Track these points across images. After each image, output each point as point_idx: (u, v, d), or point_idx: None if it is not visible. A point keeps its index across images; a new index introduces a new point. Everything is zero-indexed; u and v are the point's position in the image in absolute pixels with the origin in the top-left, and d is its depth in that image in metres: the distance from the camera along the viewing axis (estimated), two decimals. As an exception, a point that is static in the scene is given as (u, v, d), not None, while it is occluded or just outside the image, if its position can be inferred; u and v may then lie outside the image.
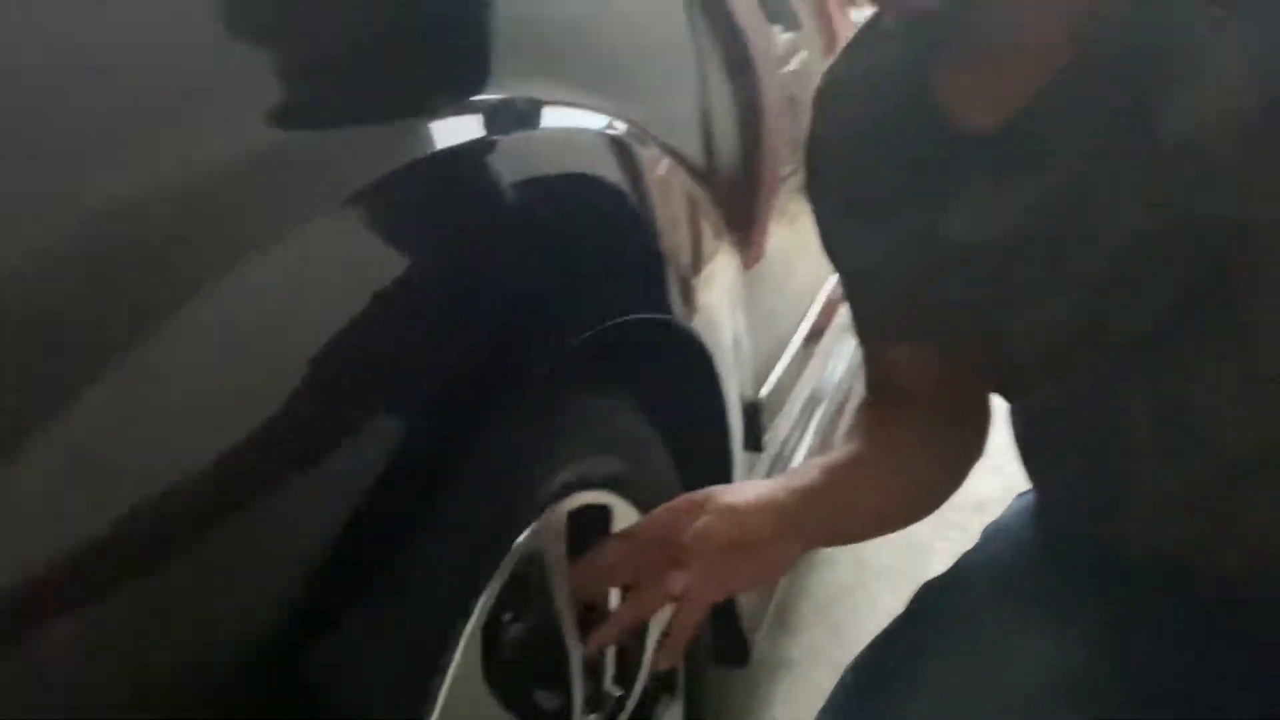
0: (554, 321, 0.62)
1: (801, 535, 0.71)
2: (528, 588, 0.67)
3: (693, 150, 0.94)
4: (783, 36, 1.37)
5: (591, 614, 0.73)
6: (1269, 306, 0.57)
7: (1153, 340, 0.62)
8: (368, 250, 0.50)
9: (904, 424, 0.78)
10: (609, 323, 0.66)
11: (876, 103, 0.71)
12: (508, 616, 0.68)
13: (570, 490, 0.71)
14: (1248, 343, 0.59)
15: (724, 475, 0.98)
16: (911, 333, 0.77)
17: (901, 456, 0.77)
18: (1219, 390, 0.61)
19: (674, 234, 0.84)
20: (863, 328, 0.83)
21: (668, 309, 0.79)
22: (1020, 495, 0.91)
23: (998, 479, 0.81)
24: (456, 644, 0.57)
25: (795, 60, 1.41)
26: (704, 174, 0.96)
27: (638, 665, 0.81)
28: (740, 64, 1.13)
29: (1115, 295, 0.62)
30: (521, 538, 0.65)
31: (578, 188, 0.68)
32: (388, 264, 0.51)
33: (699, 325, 0.86)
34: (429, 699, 0.55)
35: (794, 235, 1.35)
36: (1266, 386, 0.60)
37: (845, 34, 1.67)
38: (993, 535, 0.86)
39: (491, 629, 0.63)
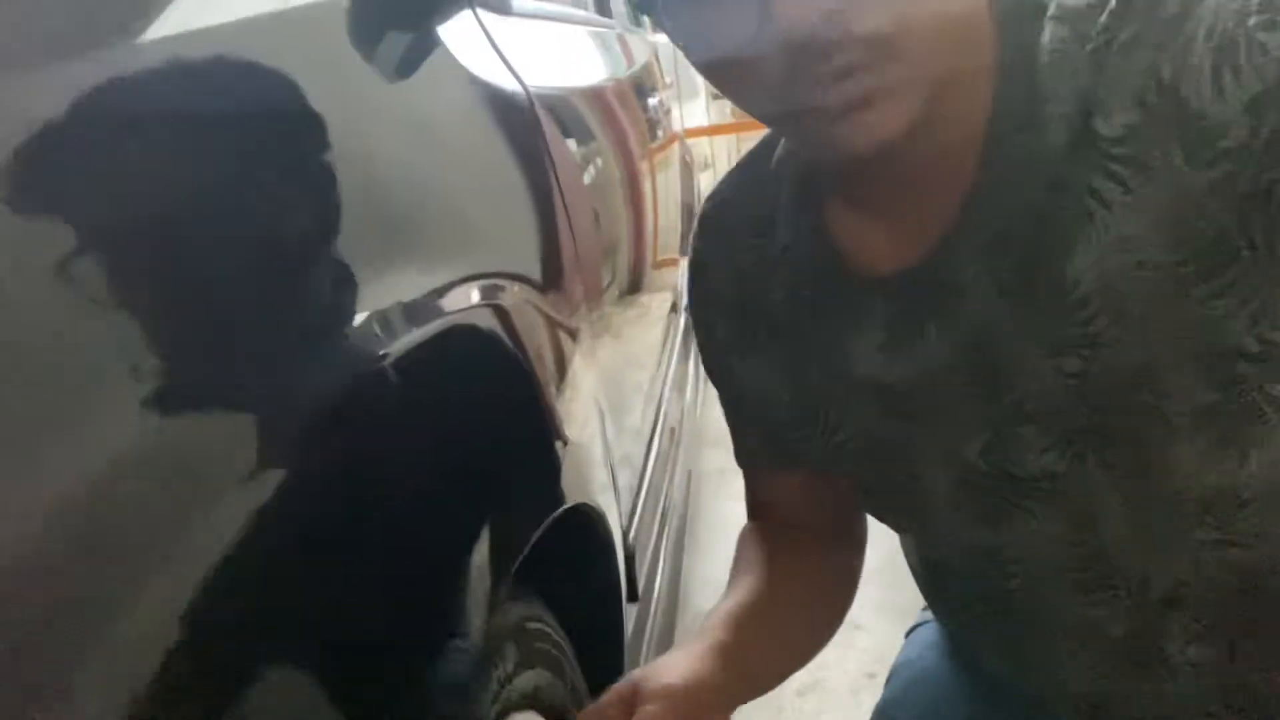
0: (491, 549, 0.53)
1: (732, 701, 0.64)
2: None
3: (540, 276, 0.88)
4: (578, 150, 1.33)
5: None
6: (1175, 449, 0.56)
7: (1064, 479, 0.60)
8: (289, 516, 0.41)
9: (792, 550, 0.75)
10: (535, 537, 0.57)
11: (769, 234, 0.67)
12: None
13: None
14: (1156, 483, 0.58)
15: (617, 642, 0.90)
16: (802, 464, 0.73)
17: (801, 588, 0.73)
18: (1131, 528, 0.60)
19: (555, 391, 0.76)
20: (748, 456, 0.79)
21: (562, 488, 0.71)
22: (915, 629, 0.89)
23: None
24: None
25: (591, 170, 1.37)
26: (553, 293, 0.90)
27: None
28: (549, 186, 1.07)
29: (1024, 436, 0.60)
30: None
31: (481, 390, 0.59)
32: (310, 528, 0.43)
33: (590, 489, 0.78)
34: None
35: (623, 346, 1.30)
36: (1175, 523, 0.59)
37: (634, 135, 1.66)
38: (910, 679, 0.83)
39: None
